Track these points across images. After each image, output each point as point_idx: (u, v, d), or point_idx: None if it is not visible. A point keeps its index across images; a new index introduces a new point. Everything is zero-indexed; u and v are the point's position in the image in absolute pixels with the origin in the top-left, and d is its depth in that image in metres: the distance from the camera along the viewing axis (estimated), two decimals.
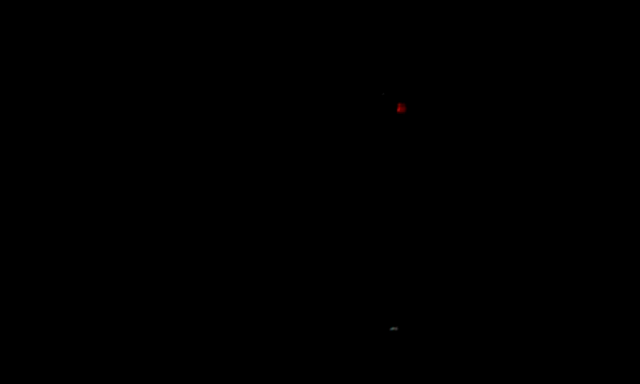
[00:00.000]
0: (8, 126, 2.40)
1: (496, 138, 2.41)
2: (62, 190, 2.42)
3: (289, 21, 2.43)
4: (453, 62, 2.42)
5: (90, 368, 2.32)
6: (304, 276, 2.38)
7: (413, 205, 2.40)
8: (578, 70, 2.41)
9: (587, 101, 2.40)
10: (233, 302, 2.38)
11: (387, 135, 2.39)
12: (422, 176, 2.40)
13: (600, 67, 2.40)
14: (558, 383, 2.27)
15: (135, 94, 2.45)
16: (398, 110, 2.33)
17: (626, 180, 2.37)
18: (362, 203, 2.42)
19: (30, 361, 2.30)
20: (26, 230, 2.39)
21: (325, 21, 2.42)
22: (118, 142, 2.43)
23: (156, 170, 2.43)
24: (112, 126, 2.43)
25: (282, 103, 2.45)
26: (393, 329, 2.18)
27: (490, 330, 2.31)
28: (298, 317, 2.36)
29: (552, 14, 2.41)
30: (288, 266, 2.39)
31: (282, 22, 2.43)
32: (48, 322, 2.35)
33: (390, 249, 2.38)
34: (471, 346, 2.29)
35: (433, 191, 2.40)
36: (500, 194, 2.39)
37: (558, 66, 2.42)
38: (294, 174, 2.44)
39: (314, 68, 2.45)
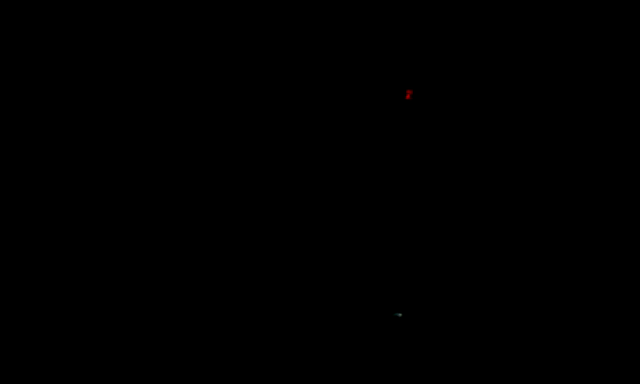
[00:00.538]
0: (8, 126, 2.40)
1: (500, 128, 2.41)
2: (62, 190, 2.42)
3: (297, 14, 2.43)
4: (459, 51, 2.42)
5: (90, 368, 2.33)
6: (311, 261, 2.39)
7: (418, 194, 2.41)
8: (580, 63, 2.41)
9: (589, 94, 2.40)
10: (240, 289, 2.39)
11: (395, 122, 2.39)
12: (427, 167, 2.40)
13: (603, 59, 2.40)
14: (559, 374, 2.28)
15: (136, 94, 2.45)
16: (407, 97, 2.34)
17: (625, 179, 2.38)
18: (367, 192, 2.43)
19: (29, 360, 2.31)
20: (26, 230, 2.39)
21: (333, 10, 2.42)
22: (118, 142, 2.44)
23: (157, 169, 2.44)
24: (112, 126, 2.43)
25: (289, 95, 2.45)
26: (398, 315, 2.19)
27: (494, 318, 2.32)
28: (302, 301, 2.37)
29: (554, 12, 2.41)
30: (297, 249, 2.40)
31: (290, 14, 2.43)
32: (48, 321, 2.36)
33: (395, 236, 2.38)
34: (474, 332, 2.30)
35: (438, 181, 2.41)
36: (505, 185, 2.39)
37: (563, 62, 2.41)
38: (304, 163, 2.44)
39: (320, 54, 2.45)
